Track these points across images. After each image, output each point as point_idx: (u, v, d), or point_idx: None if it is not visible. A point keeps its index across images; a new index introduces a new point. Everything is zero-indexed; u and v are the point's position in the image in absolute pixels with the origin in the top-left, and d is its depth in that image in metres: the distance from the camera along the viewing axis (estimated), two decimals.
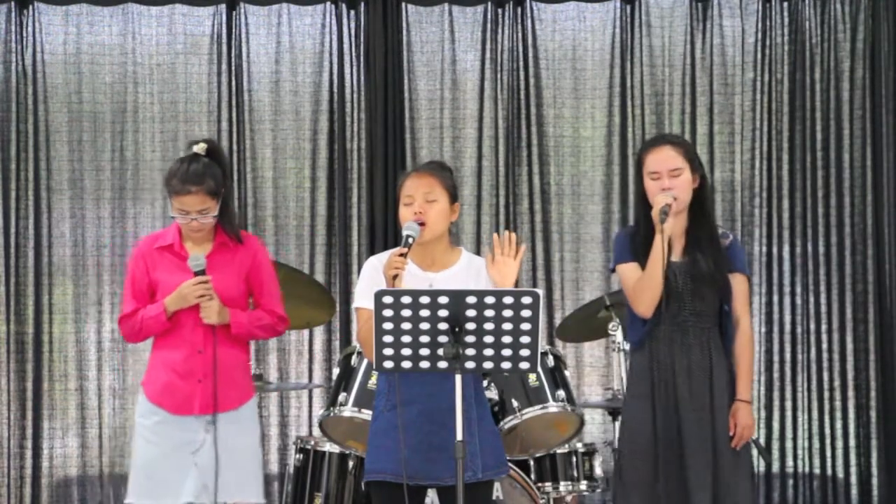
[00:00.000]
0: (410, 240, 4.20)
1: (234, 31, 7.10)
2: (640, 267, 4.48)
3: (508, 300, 3.83)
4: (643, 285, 4.45)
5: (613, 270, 4.67)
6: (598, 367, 7.06)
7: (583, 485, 5.67)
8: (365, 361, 5.35)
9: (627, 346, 4.78)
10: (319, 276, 6.96)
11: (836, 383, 7.07)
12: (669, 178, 4.47)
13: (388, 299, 3.83)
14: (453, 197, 4.37)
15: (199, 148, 4.60)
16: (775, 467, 7.06)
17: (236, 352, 4.65)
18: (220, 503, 4.55)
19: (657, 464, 4.44)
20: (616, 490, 4.58)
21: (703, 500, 4.39)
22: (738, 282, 4.56)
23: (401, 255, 4.14)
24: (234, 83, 7.08)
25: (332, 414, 5.35)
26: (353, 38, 7.10)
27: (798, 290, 7.09)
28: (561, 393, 5.49)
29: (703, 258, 4.50)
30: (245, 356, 4.72)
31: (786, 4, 7.14)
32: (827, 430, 7.06)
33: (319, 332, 7.00)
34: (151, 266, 4.63)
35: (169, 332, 4.62)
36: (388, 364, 3.90)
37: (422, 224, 4.25)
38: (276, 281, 4.78)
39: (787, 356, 7.07)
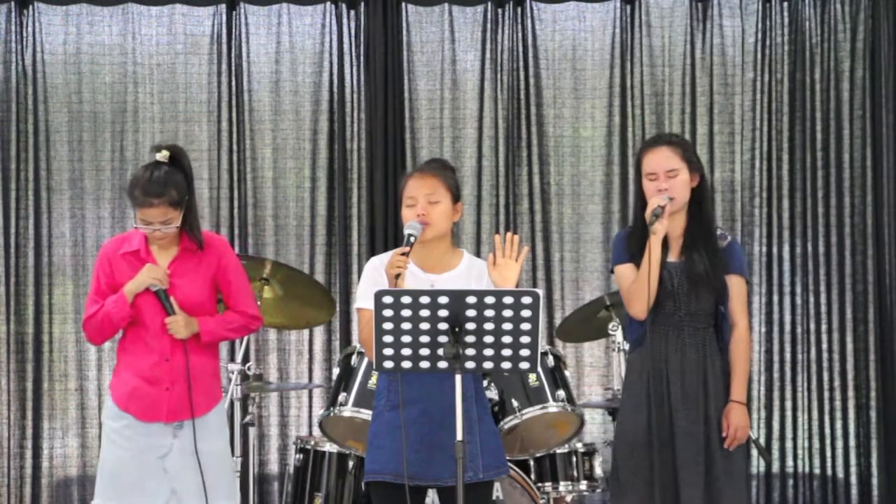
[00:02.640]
0: (412, 238, 4.19)
1: (234, 31, 7.10)
2: (636, 268, 4.47)
3: (508, 300, 3.82)
4: (635, 287, 4.45)
5: (612, 271, 4.66)
6: (598, 367, 7.05)
7: (583, 485, 5.67)
8: (365, 361, 5.34)
9: (627, 346, 4.77)
10: (319, 276, 6.96)
11: (836, 383, 7.07)
12: (666, 178, 4.45)
13: (388, 299, 3.82)
14: (456, 196, 4.35)
15: (162, 156, 4.47)
16: (775, 467, 7.06)
17: (205, 358, 4.58)
18: None
19: (653, 464, 4.42)
20: (612, 490, 4.57)
21: (693, 500, 4.39)
22: (734, 284, 4.53)
23: (403, 254, 4.13)
24: (234, 83, 7.08)
25: (332, 414, 5.35)
26: (353, 38, 7.10)
27: (798, 290, 7.09)
28: (561, 393, 5.48)
29: (699, 258, 4.48)
30: (215, 361, 4.64)
31: (786, 4, 7.14)
32: (827, 430, 7.06)
33: (319, 332, 7.00)
34: (117, 270, 4.55)
35: (134, 339, 4.57)
36: (389, 364, 3.89)
37: (425, 224, 4.24)
38: (244, 280, 4.68)
39: (787, 356, 7.07)
